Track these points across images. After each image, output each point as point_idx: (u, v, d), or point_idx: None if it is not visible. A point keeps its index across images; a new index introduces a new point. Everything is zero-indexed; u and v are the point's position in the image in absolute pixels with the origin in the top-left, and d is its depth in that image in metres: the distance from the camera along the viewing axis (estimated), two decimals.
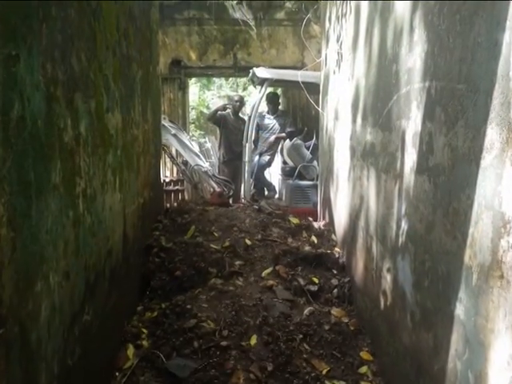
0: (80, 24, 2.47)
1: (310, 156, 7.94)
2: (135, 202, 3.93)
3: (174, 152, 8.89)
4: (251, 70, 8.13)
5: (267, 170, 9.85)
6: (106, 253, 2.97)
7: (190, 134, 12.81)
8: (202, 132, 17.26)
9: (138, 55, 4.10)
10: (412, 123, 2.60)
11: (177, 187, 10.00)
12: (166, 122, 7.54)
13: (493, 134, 1.74)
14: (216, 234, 4.83)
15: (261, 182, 9.20)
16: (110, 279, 3.04)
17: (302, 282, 4.20)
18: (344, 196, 4.57)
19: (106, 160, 2.96)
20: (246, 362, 3.20)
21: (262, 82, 7.93)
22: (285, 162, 8.88)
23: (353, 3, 4.24)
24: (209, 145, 13.84)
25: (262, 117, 9.12)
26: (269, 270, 4.35)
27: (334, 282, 4.29)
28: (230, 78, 18.99)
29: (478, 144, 1.85)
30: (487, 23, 1.80)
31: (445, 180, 2.16)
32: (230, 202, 8.09)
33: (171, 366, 3.12)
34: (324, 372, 3.23)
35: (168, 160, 9.38)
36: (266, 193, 9.38)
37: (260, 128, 9.13)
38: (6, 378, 1.66)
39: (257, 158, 8.87)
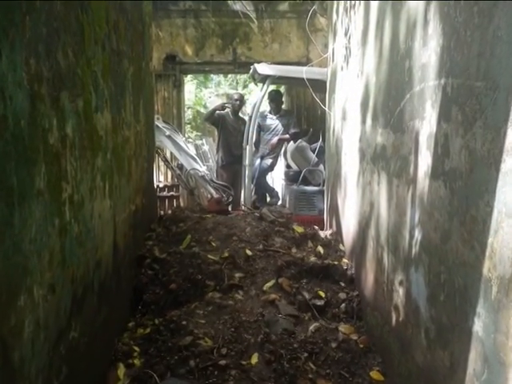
0: (66, 17, 2.48)
1: (316, 159, 7.94)
2: (126, 210, 3.93)
3: (168, 155, 8.90)
4: (252, 66, 8.14)
5: (269, 174, 9.85)
6: (95, 264, 2.97)
7: (186, 135, 12.82)
8: (199, 133, 17.28)
9: (130, 50, 4.11)
10: (426, 124, 2.60)
11: (171, 193, 10.02)
12: (159, 123, 7.55)
13: None
14: (214, 244, 4.83)
15: (262, 188, 9.20)
16: (99, 293, 3.04)
17: (307, 295, 4.19)
18: (353, 203, 4.57)
19: (94, 164, 2.96)
20: (247, 383, 3.20)
21: (264, 79, 7.94)
22: (288, 166, 8.88)
23: None
24: (206, 147, 13.82)
25: (263, 117, 9.12)
26: (271, 283, 4.35)
27: (342, 295, 4.28)
28: (229, 75, 19.02)
29: (497, 146, 1.84)
30: (508, 15, 1.80)
31: (462, 185, 2.16)
32: (229, 209, 8.11)
33: None
34: None
35: (162, 164, 9.40)
36: (268, 199, 9.38)
37: (261, 129, 9.13)
38: None
39: (258, 161, 8.86)
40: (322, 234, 5.54)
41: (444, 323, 2.36)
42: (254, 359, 3.39)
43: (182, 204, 9.90)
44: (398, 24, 3.16)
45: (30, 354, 1.99)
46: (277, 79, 8.07)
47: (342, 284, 4.45)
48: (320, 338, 3.70)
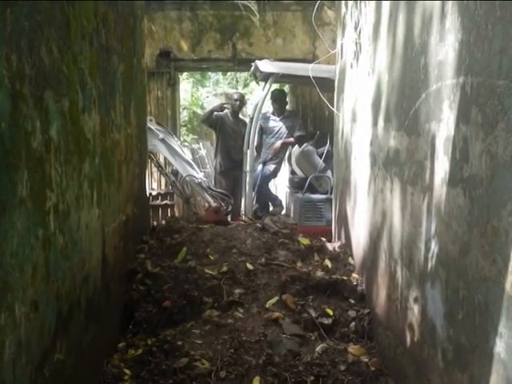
0: (51, 9, 2.49)
1: (323, 165, 7.95)
2: (116, 220, 3.93)
3: (162, 160, 8.90)
4: (253, 64, 8.15)
5: (272, 181, 9.86)
6: (82, 279, 2.97)
7: (181, 138, 12.82)
8: (196, 136, 17.28)
9: (120, 46, 4.12)
10: (443, 126, 2.60)
11: (165, 202, 10.03)
12: (152, 125, 7.55)
13: None
14: (212, 258, 4.83)
15: (264, 196, 9.19)
16: (87, 310, 3.04)
17: (313, 313, 4.19)
18: (363, 212, 4.56)
19: (81, 170, 2.96)
20: None
21: (266, 77, 7.95)
22: (293, 172, 8.88)
23: None
24: (203, 152, 13.80)
25: (266, 118, 9.13)
26: (274, 300, 4.34)
27: (352, 313, 4.27)
28: (229, 73, 19.04)
29: None
30: None
31: (482, 193, 2.15)
32: (229, 219, 8.09)
33: None
34: None
35: (155, 170, 9.39)
36: (271, 208, 9.37)
37: (264, 132, 9.14)
38: None
39: (260, 167, 8.87)
40: (329, 246, 5.54)
41: (463, 344, 2.35)
42: (256, 383, 3.38)
43: (176, 214, 9.90)
44: (412, 17, 3.17)
45: (11, 377, 1.98)
46: (280, 77, 8.07)
47: (352, 301, 4.44)
48: (327, 359, 3.68)
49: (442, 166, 2.63)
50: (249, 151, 8.20)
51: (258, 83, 9.59)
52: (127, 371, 3.52)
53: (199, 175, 8.04)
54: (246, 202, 8.27)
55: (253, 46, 10.00)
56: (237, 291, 4.40)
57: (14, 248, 2.01)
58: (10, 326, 1.98)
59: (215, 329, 3.91)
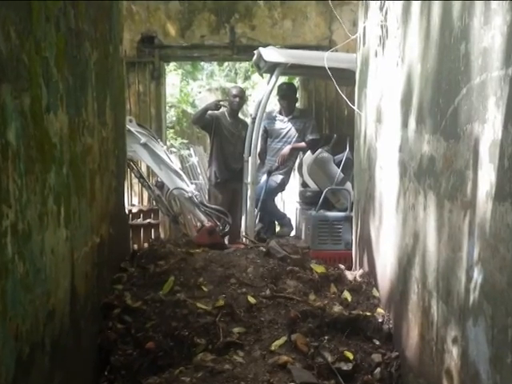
0: None
1: (342, 175, 7.95)
2: (88, 243, 3.93)
3: (144, 170, 8.92)
4: (256, 51, 8.18)
5: (279, 195, 9.86)
6: (46, 315, 2.97)
7: (168, 143, 12.86)
8: (185, 141, 17.34)
9: (93, 30, 4.14)
10: (489, 128, 2.61)
11: (148, 221, 10.02)
12: (132, 127, 7.55)
13: None
14: (205, 289, 4.82)
15: (270, 214, 9.20)
16: (52, 353, 3.03)
17: (329, 357, 4.18)
18: (390, 233, 4.56)
19: (45, 181, 2.97)
20: None
21: (272, 68, 7.98)
22: (305, 185, 8.90)
23: None
24: (195, 159, 13.87)
25: (271, 119, 9.16)
26: (281, 341, 4.33)
27: (377, 357, 4.26)
28: (226, 63, 19.15)
29: None
30: None
31: None
32: (226, 241, 8.09)
33: None
34: None
35: (136, 181, 9.39)
36: (278, 229, 9.38)
37: (269, 135, 9.16)
38: None
39: (264, 178, 8.87)
40: (349, 275, 5.54)
41: None
42: None
43: (162, 235, 9.90)
44: None
45: None
46: (289, 68, 8.09)
47: (377, 342, 4.44)
48: None
49: (487, 177, 2.62)
50: (250, 159, 8.22)
51: (261, 75, 9.64)
52: None
53: (190, 188, 8.02)
54: (247, 221, 8.27)
55: (255, 29, 10.00)
56: (236, 330, 4.40)
57: None
58: None
59: (209, 376, 3.89)
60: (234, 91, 9.47)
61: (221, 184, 9.18)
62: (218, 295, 4.72)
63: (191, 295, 4.70)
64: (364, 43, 5.88)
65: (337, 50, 7.41)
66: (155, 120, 10.10)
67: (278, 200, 10.38)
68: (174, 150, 13.86)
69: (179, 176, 8.00)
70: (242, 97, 9.50)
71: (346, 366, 4.14)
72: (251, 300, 4.69)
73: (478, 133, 2.73)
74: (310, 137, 8.93)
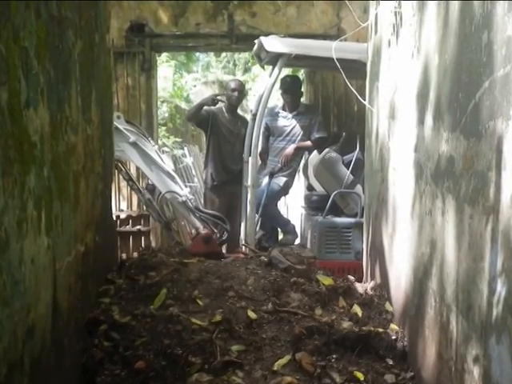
0: None
1: (351, 178, 7.95)
2: (72, 252, 3.93)
3: (133, 171, 8.92)
4: (257, 41, 8.18)
5: (282, 199, 9.86)
6: (26, 332, 2.96)
7: (160, 142, 12.88)
8: (179, 139, 17.37)
9: (77, 17, 4.14)
10: None
11: (138, 227, 10.03)
12: (120, 124, 7.56)
13: None
14: (201, 303, 4.82)
15: (272, 220, 9.21)
16: (32, 373, 3.03)
17: (337, 378, 4.17)
18: (405, 242, 4.56)
19: (24, 184, 2.96)
20: None
21: (275, 59, 7.98)
22: (310, 188, 8.90)
23: None
24: (189, 160, 13.87)
25: (274, 115, 9.16)
26: (285, 360, 4.32)
27: (390, 378, 4.26)
28: (223, 54, 19.19)
29: None
30: None
31: None
32: (223, 250, 8.10)
33: None
34: None
35: (124, 184, 9.39)
36: (281, 236, 9.38)
37: (271, 133, 9.17)
38: None
39: (266, 180, 8.87)
40: (359, 287, 5.54)
41: None
42: None
43: (153, 243, 9.90)
44: None
45: None
46: (293, 60, 8.10)
47: (390, 361, 4.43)
48: None
49: (511, 179, 2.63)
50: (250, 159, 8.21)
51: (262, 67, 9.65)
52: None
53: (184, 191, 8.03)
54: (247, 228, 8.27)
55: (256, 16, 10.01)
56: (234, 348, 4.39)
57: None
58: None
59: None
60: (233, 85, 9.47)
61: (218, 187, 9.19)
62: (214, 310, 4.72)
63: (185, 309, 4.70)
64: (376, 32, 5.89)
65: (346, 40, 7.44)
66: (145, 116, 10.10)
67: (281, 205, 10.38)
68: (166, 149, 13.89)
69: (172, 178, 8.01)
70: (241, 91, 9.50)
71: None
72: (251, 315, 4.69)
73: (502, 130, 2.73)
74: (316, 135, 8.94)
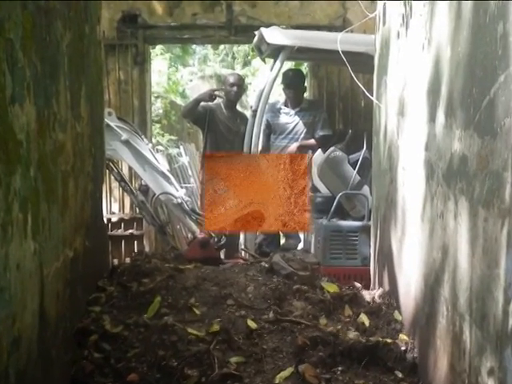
0: None
1: (358, 178, 7.95)
2: (60, 257, 3.92)
3: (125, 171, 8.92)
4: (257, 33, 8.19)
5: None
6: (11, 342, 2.95)
7: (154, 140, 12.89)
8: (174, 137, 17.38)
9: (65, 7, 4.13)
10: None
11: (131, 231, 10.03)
12: (112, 121, 7.56)
13: None
14: (197, 312, 4.83)
15: None
16: None
17: None
18: (415, 246, 4.56)
19: (9, 185, 2.96)
20: None
21: (276, 51, 7.99)
22: (314, 189, 8.90)
23: None
24: (185, 159, 13.87)
25: (275, 111, 9.18)
26: (287, 373, 4.32)
27: None
28: (222, 46, 19.21)
29: None
30: None
31: None
32: (222, 256, 8.10)
33: None
34: None
35: (116, 185, 9.39)
36: (283, 241, 9.38)
37: (273, 130, 9.18)
38: None
39: None
40: (366, 295, 5.53)
41: None
42: None
43: (147, 248, 9.91)
44: None
45: None
46: (296, 52, 8.11)
47: (399, 374, 4.42)
48: None
49: None
50: None
51: (263, 60, 9.63)
52: None
53: (179, 193, 8.03)
54: (247, 232, 8.27)
55: (256, 6, 10.02)
56: (233, 360, 4.38)
57: None
58: None
59: None
60: (232, 79, 9.50)
61: None
62: (212, 319, 4.72)
63: (181, 319, 4.70)
64: (384, 23, 5.89)
65: (352, 31, 7.44)
66: (139, 113, 10.13)
67: None
68: (160, 148, 13.91)
69: (167, 179, 8.00)
70: (240, 86, 9.52)
71: None
72: (251, 324, 4.69)
73: None
74: (320, 133, 8.96)
